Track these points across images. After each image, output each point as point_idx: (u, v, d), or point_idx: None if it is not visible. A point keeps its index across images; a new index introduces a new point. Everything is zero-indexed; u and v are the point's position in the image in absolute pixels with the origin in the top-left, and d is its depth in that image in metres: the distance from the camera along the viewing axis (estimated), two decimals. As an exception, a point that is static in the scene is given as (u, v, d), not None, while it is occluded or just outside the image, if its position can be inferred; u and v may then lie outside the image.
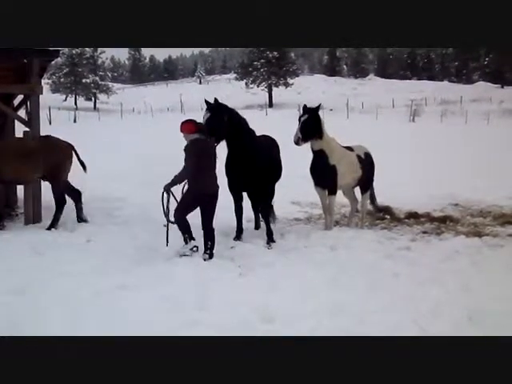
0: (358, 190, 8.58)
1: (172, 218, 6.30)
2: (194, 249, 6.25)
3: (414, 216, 9.34)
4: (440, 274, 5.66)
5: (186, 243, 6.27)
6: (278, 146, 7.94)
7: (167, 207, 6.30)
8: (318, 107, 7.64)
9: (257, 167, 7.04)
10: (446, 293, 5.01)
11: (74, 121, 39.33)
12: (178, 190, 6.48)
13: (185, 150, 6.18)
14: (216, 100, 6.92)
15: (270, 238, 7.14)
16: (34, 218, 7.96)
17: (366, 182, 8.32)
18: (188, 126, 6.24)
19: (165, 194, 6.28)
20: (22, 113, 9.54)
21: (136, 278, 5.25)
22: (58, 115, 39.94)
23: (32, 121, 8.17)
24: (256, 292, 4.92)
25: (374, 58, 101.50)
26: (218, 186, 6.36)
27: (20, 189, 9.08)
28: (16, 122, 9.21)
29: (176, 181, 6.21)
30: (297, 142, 7.47)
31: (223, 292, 4.91)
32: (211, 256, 6.18)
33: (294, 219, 9.15)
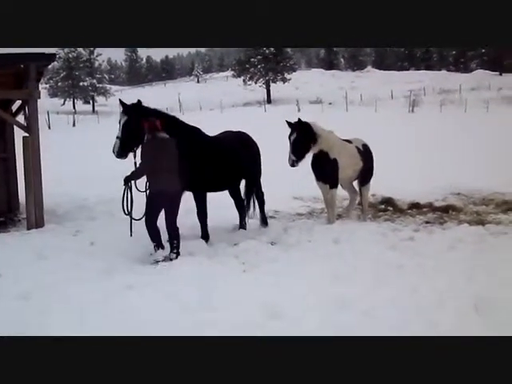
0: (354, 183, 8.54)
1: (129, 211, 6.29)
2: (164, 257, 6.06)
3: (416, 207, 9.35)
4: (444, 263, 5.65)
5: (155, 252, 6.15)
6: (244, 143, 7.62)
7: (126, 199, 6.26)
8: (306, 123, 7.41)
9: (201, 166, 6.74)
10: (451, 282, 4.99)
11: (74, 124, 39.32)
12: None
13: (142, 147, 6.15)
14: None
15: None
16: (36, 222, 7.97)
17: (365, 173, 8.30)
18: (149, 125, 6.13)
19: (124, 187, 6.22)
20: (20, 118, 9.55)
21: (141, 279, 5.26)
22: (56, 119, 39.94)
23: (31, 126, 8.16)
24: (261, 288, 4.91)
25: (372, 51, 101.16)
26: (178, 186, 6.20)
27: (21, 194, 9.08)
28: (15, 127, 9.20)
29: (135, 175, 6.17)
30: (292, 165, 7.38)
31: (228, 289, 4.90)
32: (178, 254, 6.11)
33: (297, 214, 9.15)
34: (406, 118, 31.94)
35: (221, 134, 7.68)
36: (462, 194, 10.52)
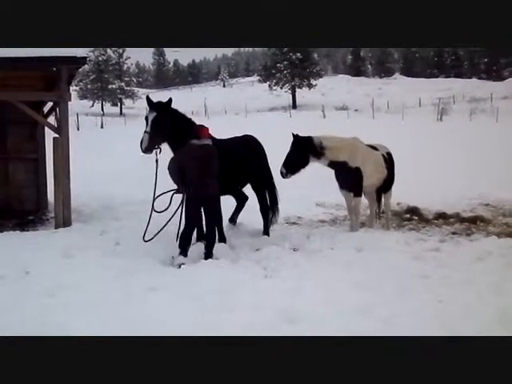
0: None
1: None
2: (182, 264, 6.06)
3: (442, 217, 9.19)
4: (471, 275, 5.53)
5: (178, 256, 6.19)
6: (249, 146, 7.55)
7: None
8: (303, 139, 7.32)
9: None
10: (477, 295, 4.88)
11: (101, 126, 40.01)
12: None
13: (185, 154, 6.30)
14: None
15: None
16: (64, 221, 8.12)
17: (388, 181, 8.21)
18: (205, 130, 6.34)
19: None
20: (51, 120, 9.77)
21: (164, 280, 5.31)
22: (85, 121, 40.67)
23: (61, 127, 8.34)
24: (281, 294, 4.90)
25: (400, 57, 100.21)
26: (215, 189, 6.31)
27: (50, 193, 9.28)
28: (46, 128, 9.42)
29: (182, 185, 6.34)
30: (283, 177, 7.36)
31: (248, 294, 4.91)
32: (209, 257, 6.18)
33: (320, 221, 9.11)
34: (433, 127, 31.48)
35: (228, 138, 7.60)
36: (490, 205, 10.29)
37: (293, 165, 7.35)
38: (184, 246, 6.25)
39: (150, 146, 6.50)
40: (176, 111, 6.84)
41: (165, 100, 6.79)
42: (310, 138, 7.40)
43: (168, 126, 6.51)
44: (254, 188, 7.69)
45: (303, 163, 7.42)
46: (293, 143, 7.38)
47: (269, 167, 7.74)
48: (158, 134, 6.48)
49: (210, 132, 6.48)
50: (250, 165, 7.35)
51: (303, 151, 7.34)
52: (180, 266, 5.98)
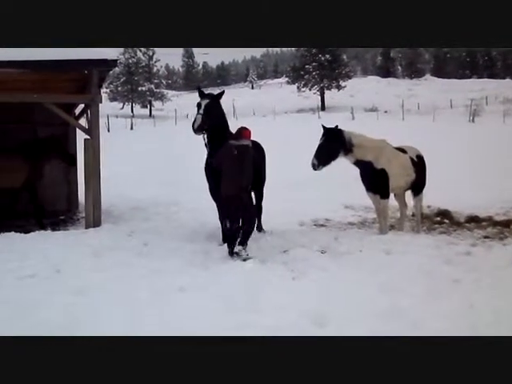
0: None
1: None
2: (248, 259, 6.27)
3: (474, 220, 9.00)
4: (503, 280, 5.39)
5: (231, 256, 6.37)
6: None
7: None
8: (337, 128, 7.39)
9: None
10: (510, 301, 4.75)
11: (131, 128, 40.56)
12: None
13: (222, 154, 6.67)
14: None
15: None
16: (93, 222, 8.26)
17: (418, 184, 8.09)
18: (249, 132, 6.72)
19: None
20: (82, 121, 9.96)
21: (192, 281, 5.34)
22: (115, 123, 41.32)
23: (92, 129, 8.49)
24: (309, 296, 4.87)
25: (430, 58, 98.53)
26: (237, 189, 6.46)
27: (81, 194, 9.45)
28: (77, 129, 9.61)
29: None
30: (314, 169, 7.36)
31: (275, 295, 4.89)
32: (243, 242, 6.37)
33: (348, 223, 9.03)
34: (465, 128, 30.80)
35: None
36: (524, 208, 10.01)
37: (324, 157, 7.33)
38: (231, 245, 6.43)
39: (201, 126, 6.99)
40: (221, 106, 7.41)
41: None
42: (340, 131, 7.39)
43: (218, 113, 7.21)
44: (253, 187, 7.83)
45: (334, 156, 7.40)
46: (324, 135, 7.37)
47: (265, 170, 8.22)
48: (209, 116, 7.05)
49: (252, 134, 6.79)
50: (258, 166, 7.66)
51: (334, 143, 7.33)
52: (245, 260, 6.14)
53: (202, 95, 7.28)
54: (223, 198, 6.60)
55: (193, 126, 7.01)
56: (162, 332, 3.92)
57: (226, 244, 6.63)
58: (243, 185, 6.52)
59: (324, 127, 7.50)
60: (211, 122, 7.06)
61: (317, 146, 7.35)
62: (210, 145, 7.24)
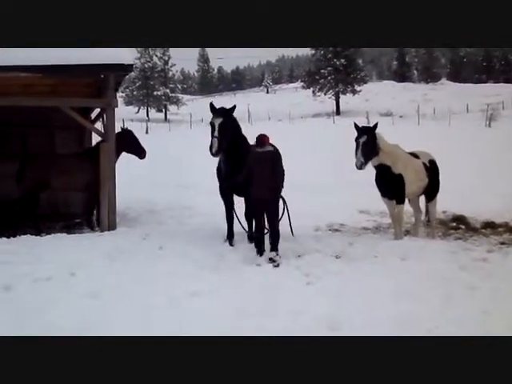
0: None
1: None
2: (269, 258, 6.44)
3: (491, 226, 8.89)
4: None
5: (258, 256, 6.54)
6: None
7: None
8: (375, 126, 7.32)
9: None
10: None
11: (146, 132, 40.83)
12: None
13: (251, 160, 6.73)
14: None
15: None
16: (109, 225, 8.32)
17: (431, 189, 8.01)
18: (268, 139, 6.79)
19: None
20: (98, 125, 10.06)
21: (206, 285, 5.35)
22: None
23: (108, 133, 8.57)
24: (323, 301, 4.85)
25: (447, 62, 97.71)
26: (268, 192, 6.56)
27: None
28: (93, 133, 9.70)
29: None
30: (360, 167, 7.23)
31: (290, 300, 4.89)
32: (273, 248, 6.51)
33: (363, 228, 8.97)
34: (482, 133, 30.45)
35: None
36: (542, 214, 9.85)
37: (369, 154, 7.21)
38: (259, 245, 6.63)
39: (219, 150, 6.86)
40: (235, 118, 7.27)
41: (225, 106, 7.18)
42: (375, 129, 7.30)
43: (233, 131, 7.02)
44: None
45: (374, 154, 7.28)
46: (365, 132, 7.21)
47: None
48: (225, 137, 6.86)
49: (270, 139, 6.87)
50: None
51: (375, 141, 7.24)
52: (278, 266, 6.23)
53: (214, 111, 7.00)
54: (256, 202, 6.68)
55: (210, 151, 6.83)
56: (176, 335, 3.92)
57: (228, 241, 7.20)
58: (278, 188, 6.71)
59: (356, 125, 7.41)
60: (227, 143, 6.88)
61: (360, 144, 7.16)
62: (227, 163, 7.17)
